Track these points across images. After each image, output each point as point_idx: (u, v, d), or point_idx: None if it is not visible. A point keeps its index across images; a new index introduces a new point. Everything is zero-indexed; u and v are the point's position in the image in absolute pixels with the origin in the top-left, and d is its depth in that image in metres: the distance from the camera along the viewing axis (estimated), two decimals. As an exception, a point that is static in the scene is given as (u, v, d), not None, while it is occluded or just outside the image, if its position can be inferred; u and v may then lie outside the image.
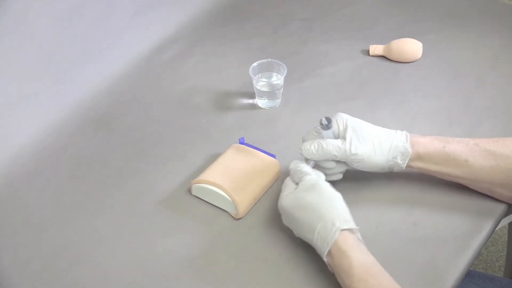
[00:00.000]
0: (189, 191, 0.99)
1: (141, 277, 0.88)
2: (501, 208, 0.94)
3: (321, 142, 0.91)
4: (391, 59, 1.23)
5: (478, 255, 0.91)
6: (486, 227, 0.92)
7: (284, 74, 1.12)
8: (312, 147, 0.92)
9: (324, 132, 0.93)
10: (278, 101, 1.15)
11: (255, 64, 1.14)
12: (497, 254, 1.81)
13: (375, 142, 0.92)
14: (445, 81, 1.18)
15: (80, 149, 1.09)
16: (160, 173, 1.03)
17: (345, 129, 0.92)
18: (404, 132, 0.93)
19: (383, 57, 1.24)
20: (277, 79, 1.14)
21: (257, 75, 1.15)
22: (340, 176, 0.96)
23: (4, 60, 1.06)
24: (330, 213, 0.83)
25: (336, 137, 0.93)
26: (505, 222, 1.37)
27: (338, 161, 0.93)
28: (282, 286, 0.86)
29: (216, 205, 0.97)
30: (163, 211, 0.97)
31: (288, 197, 0.88)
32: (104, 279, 0.88)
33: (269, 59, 1.14)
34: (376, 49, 1.24)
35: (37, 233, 0.95)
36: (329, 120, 0.92)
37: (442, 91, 1.16)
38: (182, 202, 0.98)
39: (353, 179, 0.99)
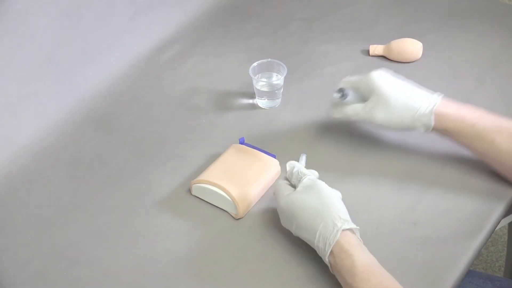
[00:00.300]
0: (189, 191, 0.99)
1: (141, 277, 0.88)
2: (501, 208, 0.94)
3: (343, 107, 1.00)
4: (391, 59, 1.23)
5: (478, 255, 0.91)
6: (486, 227, 0.92)
7: (284, 74, 1.12)
8: (335, 113, 1.02)
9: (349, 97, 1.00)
10: (278, 101, 1.15)
11: (255, 64, 1.14)
12: (497, 254, 1.81)
13: (396, 111, 0.93)
14: (445, 81, 1.18)
15: (80, 149, 1.09)
16: (160, 173, 1.03)
17: (370, 93, 0.96)
18: (434, 102, 0.94)
19: (383, 57, 1.24)
20: (277, 79, 1.14)
21: (257, 75, 1.15)
22: None
23: (4, 60, 1.06)
24: (331, 213, 0.84)
25: (361, 99, 1.00)
26: (505, 222, 1.37)
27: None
28: (282, 286, 0.86)
29: (216, 205, 0.97)
30: (163, 211, 0.97)
31: (288, 198, 0.88)
32: (104, 279, 0.88)
33: (269, 59, 1.14)
34: (376, 49, 1.24)
35: (37, 233, 0.95)
36: (342, 93, 0.98)
37: (442, 91, 1.15)
38: (182, 202, 0.98)
39: (353, 179, 0.99)
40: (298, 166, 0.91)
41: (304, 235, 0.86)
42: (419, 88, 0.98)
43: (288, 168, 0.92)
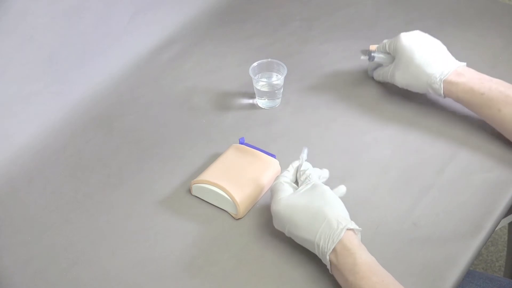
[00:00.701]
0: (189, 191, 0.99)
1: (141, 277, 0.88)
2: (501, 208, 0.94)
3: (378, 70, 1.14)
4: (391, 59, 1.23)
5: (478, 255, 0.91)
6: (486, 227, 0.92)
7: (284, 74, 1.12)
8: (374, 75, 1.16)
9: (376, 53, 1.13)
10: (278, 101, 1.15)
11: (255, 64, 1.14)
12: (497, 254, 1.81)
13: (413, 75, 1.05)
14: (445, 81, 1.17)
15: (80, 149, 1.09)
16: (160, 173, 1.03)
17: (395, 54, 1.08)
18: (447, 71, 1.03)
19: (383, 57, 1.24)
20: (277, 79, 1.14)
21: (257, 75, 1.15)
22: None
23: (4, 60, 1.06)
24: (334, 213, 0.84)
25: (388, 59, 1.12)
26: (505, 222, 1.36)
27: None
28: (282, 286, 0.86)
29: (216, 205, 0.97)
30: (163, 211, 0.97)
31: (289, 199, 0.88)
32: (104, 279, 0.88)
33: (269, 59, 1.14)
34: (376, 49, 1.24)
35: (37, 233, 0.95)
36: (367, 54, 1.12)
37: (442, 91, 1.16)
38: (182, 202, 0.98)
39: (353, 179, 0.99)
40: (307, 165, 0.93)
41: (302, 235, 0.85)
42: (443, 52, 1.07)
43: (291, 169, 0.93)
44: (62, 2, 1.12)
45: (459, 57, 1.09)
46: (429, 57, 1.05)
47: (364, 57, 1.13)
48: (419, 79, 1.05)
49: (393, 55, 1.10)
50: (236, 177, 0.96)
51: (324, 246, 0.83)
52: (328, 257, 0.83)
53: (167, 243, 0.92)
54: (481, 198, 0.96)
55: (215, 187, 0.95)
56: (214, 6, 1.40)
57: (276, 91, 1.13)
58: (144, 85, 1.22)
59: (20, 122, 1.10)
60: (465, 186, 0.97)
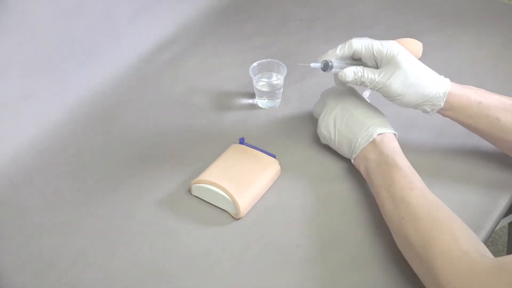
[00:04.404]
0: (189, 191, 0.99)
1: (141, 277, 0.88)
2: (501, 208, 0.94)
3: (360, 71, 0.96)
4: (391, 59, 1.23)
5: (478, 255, 0.91)
6: (486, 227, 0.92)
7: (284, 74, 1.12)
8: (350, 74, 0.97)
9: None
10: (278, 101, 1.15)
11: (255, 64, 1.14)
12: (497, 254, 1.80)
13: (411, 87, 0.95)
14: (445, 81, 1.17)
15: (80, 149, 1.09)
16: (160, 173, 1.03)
17: (389, 61, 0.95)
18: (446, 84, 0.96)
19: (383, 57, 1.24)
20: (277, 79, 1.14)
21: (257, 75, 1.15)
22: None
23: (4, 60, 1.06)
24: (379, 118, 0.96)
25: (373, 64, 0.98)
26: (505, 222, 1.37)
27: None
28: (282, 286, 0.86)
29: (216, 205, 0.97)
30: (163, 211, 0.97)
31: (343, 96, 1.00)
32: (104, 279, 0.88)
33: (269, 59, 1.15)
34: (376, 49, 1.24)
35: (37, 233, 0.95)
36: (326, 65, 0.97)
37: (442, 91, 1.16)
38: (182, 202, 0.98)
39: (353, 179, 0.99)
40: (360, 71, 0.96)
41: (349, 127, 0.97)
42: (429, 69, 0.99)
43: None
44: (62, 2, 1.12)
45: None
46: (426, 72, 0.97)
47: (315, 65, 0.98)
48: (417, 92, 0.95)
49: (382, 60, 0.97)
50: (236, 177, 0.96)
51: (371, 131, 0.95)
52: (367, 144, 0.94)
53: (167, 243, 0.92)
54: (481, 198, 0.96)
55: (215, 187, 0.95)
56: (214, 6, 1.40)
57: (276, 91, 1.13)
58: (144, 85, 1.22)
59: (20, 122, 1.10)
60: (465, 186, 0.97)
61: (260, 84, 1.13)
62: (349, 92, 1.03)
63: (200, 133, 1.10)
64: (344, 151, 0.99)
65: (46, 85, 1.13)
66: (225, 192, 0.94)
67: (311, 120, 1.12)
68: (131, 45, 1.27)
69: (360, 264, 0.87)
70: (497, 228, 0.97)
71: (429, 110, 0.97)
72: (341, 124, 0.98)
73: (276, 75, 1.15)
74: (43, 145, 1.09)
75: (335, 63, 0.97)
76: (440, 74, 1.06)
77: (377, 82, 0.95)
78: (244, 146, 1.02)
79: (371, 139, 0.95)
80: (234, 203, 0.93)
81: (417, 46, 1.22)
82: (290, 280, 0.87)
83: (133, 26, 1.26)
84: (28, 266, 0.90)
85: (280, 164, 1.00)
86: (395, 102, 0.97)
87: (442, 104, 0.95)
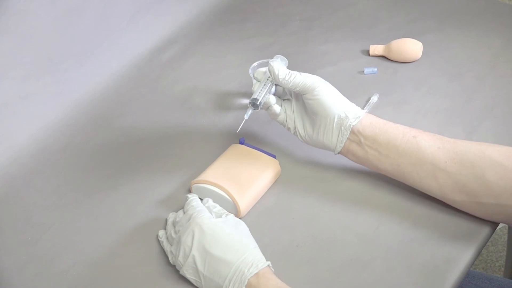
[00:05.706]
0: (189, 191, 0.99)
1: (141, 277, 0.88)
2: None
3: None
4: (391, 59, 1.23)
5: (478, 255, 0.91)
6: (486, 227, 0.92)
7: (284, 74, 1.12)
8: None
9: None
10: (278, 101, 1.15)
11: (255, 64, 1.14)
12: (497, 254, 1.81)
13: (332, 90, 0.94)
14: (445, 81, 1.18)
15: (80, 149, 1.09)
16: (160, 173, 1.03)
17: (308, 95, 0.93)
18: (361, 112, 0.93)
19: (383, 57, 1.24)
20: (277, 79, 1.14)
21: (257, 75, 1.14)
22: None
23: (4, 60, 1.06)
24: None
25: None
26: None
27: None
28: (282, 286, 0.86)
29: (216, 205, 0.97)
30: (163, 211, 0.97)
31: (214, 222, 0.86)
32: (104, 279, 0.88)
33: (269, 59, 1.14)
34: (376, 49, 1.24)
35: (37, 233, 0.95)
36: (252, 104, 0.96)
37: (442, 91, 1.16)
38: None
39: (353, 179, 0.99)
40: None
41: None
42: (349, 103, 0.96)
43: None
44: (62, 2, 1.12)
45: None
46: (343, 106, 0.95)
47: (248, 115, 0.98)
48: (339, 97, 0.95)
49: (297, 92, 0.96)
50: (236, 177, 0.96)
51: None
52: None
53: (167, 243, 0.92)
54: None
55: (215, 187, 0.95)
56: (214, 6, 1.40)
57: (276, 91, 1.13)
58: (144, 85, 1.22)
59: (20, 122, 1.10)
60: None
61: (260, 84, 1.13)
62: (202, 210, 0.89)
63: (200, 133, 1.10)
64: None
65: (46, 85, 1.13)
66: (225, 192, 0.94)
67: (311, 120, 1.11)
68: (131, 45, 1.26)
69: (360, 264, 0.87)
70: (497, 228, 0.97)
71: (351, 118, 0.93)
72: (204, 269, 0.82)
73: (276, 75, 1.15)
74: (43, 145, 1.09)
75: (260, 98, 0.97)
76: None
77: (301, 81, 0.94)
78: (244, 146, 1.02)
79: (245, 283, 0.80)
80: (234, 203, 0.93)
81: (417, 46, 1.22)
82: (290, 280, 0.86)
83: (133, 26, 1.26)
84: (28, 266, 0.90)
85: (280, 164, 1.00)
86: (313, 107, 0.94)
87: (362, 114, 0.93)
